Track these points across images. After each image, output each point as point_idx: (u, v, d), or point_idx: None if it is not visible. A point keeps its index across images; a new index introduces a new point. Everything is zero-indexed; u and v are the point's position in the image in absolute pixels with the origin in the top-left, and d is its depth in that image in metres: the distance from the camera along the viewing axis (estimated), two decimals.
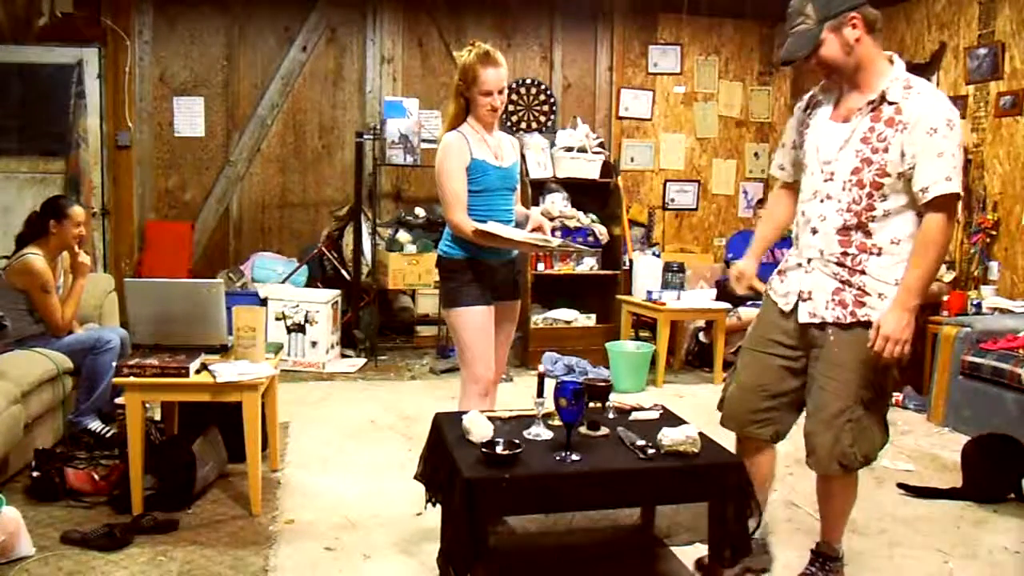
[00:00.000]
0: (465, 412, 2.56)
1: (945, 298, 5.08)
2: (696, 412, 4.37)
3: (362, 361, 5.71)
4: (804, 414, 2.54)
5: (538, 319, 5.87)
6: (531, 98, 6.63)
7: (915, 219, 2.33)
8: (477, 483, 2.17)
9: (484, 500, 2.18)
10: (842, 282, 2.39)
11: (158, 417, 3.71)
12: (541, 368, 2.72)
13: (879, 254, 2.35)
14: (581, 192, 6.13)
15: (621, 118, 6.89)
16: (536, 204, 5.84)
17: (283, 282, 5.88)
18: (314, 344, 5.46)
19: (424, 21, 6.52)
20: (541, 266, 5.91)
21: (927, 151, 2.24)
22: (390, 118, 5.71)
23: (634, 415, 2.72)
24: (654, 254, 6.39)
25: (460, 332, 2.99)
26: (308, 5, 6.33)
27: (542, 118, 6.65)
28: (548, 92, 6.68)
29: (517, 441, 2.35)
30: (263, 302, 5.43)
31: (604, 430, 2.53)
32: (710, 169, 7.13)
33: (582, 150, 6.09)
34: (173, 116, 6.21)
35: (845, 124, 2.39)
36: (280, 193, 6.45)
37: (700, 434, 2.43)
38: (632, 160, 6.92)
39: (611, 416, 2.69)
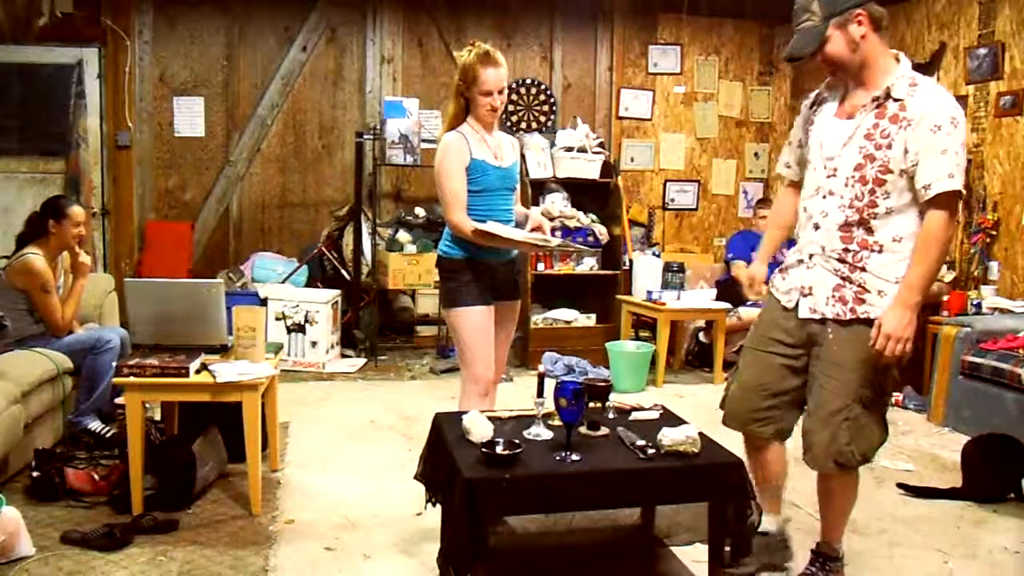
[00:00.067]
0: (465, 412, 2.56)
1: (945, 298, 5.08)
2: (696, 412, 4.37)
3: (362, 361, 5.71)
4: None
5: (538, 319, 5.87)
6: (531, 98, 6.63)
7: (917, 217, 2.33)
8: (477, 483, 2.17)
9: (484, 500, 2.18)
10: (843, 278, 2.39)
11: (158, 417, 3.71)
12: (541, 368, 2.71)
13: (880, 251, 2.35)
14: (581, 192, 6.13)
15: (621, 118, 6.89)
16: (536, 204, 5.84)
17: (283, 282, 5.88)
18: (314, 344, 5.46)
19: (424, 21, 6.53)
20: (541, 266, 5.91)
21: (930, 148, 2.24)
22: (390, 118, 5.71)
23: (634, 415, 2.72)
24: (654, 254, 6.39)
25: (460, 332, 2.99)
26: (308, 5, 6.33)
27: (542, 118, 6.65)
28: (548, 92, 6.68)
29: (517, 441, 2.35)
30: (263, 302, 5.43)
31: (604, 430, 2.53)
32: (710, 169, 7.13)
33: (582, 150, 6.09)
34: (173, 116, 6.21)
35: (849, 121, 2.39)
36: (280, 193, 6.45)
37: (700, 434, 2.43)
38: (632, 160, 6.92)
39: (611, 416, 2.69)
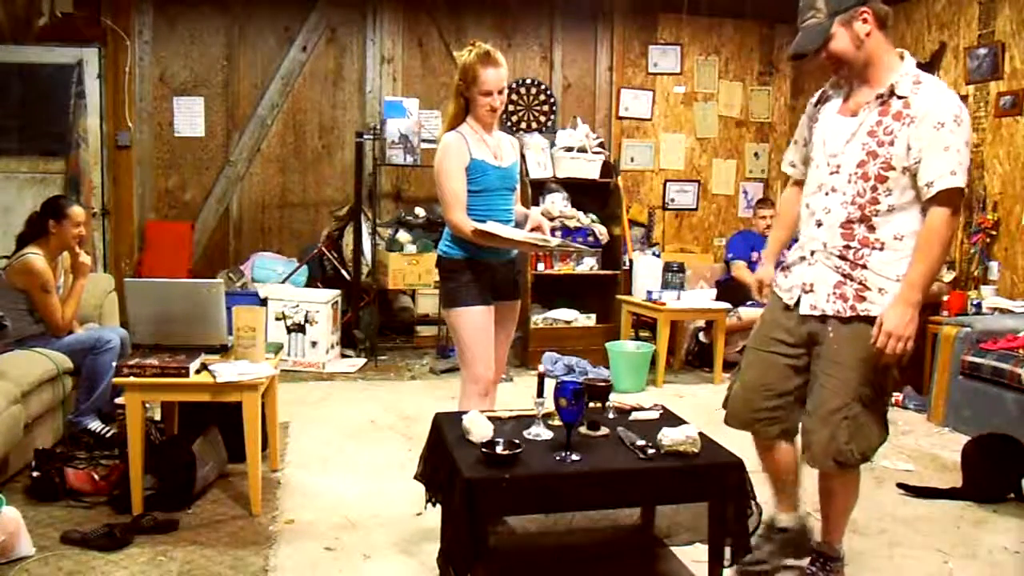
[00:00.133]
0: (465, 412, 2.56)
1: (945, 298, 5.08)
2: (696, 412, 4.37)
3: (362, 361, 5.71)
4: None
5: (538, 319, 5.87)
6: (531, 98, 6.63)
7: (919, 216, 2.33)
8: (477, 483, 2.17)
9: (484, 500, 2.18)
10: (844, 276, 2.39)
11: (158, 417, 3.71)
12: (541, 368, 2.72)
13: (881, 249, 2.35)
14: (581, 192, 6.13)
15: (621, 118, 6.89)
16: (536, 204, 5.84)
17: (283, 282, 5.88)
18: (314, 344, 5.46)
19: (424, 21, 6.53)
20: (541, 266, 5.91)
21: (933, 145, 2.24)
22: (390, 118, 5.71)
23: (634, 415, 2.72)
24: (654, 254, 6.39)
25: (460, 332, 2.99)
26: (308, 5, 6.33)
27: (542, 118, 6.65)
28: (548, 92, 6.68)
29: (517, 441, 2.35)
30: (263, 302, 5.43)
31: (604, 430, 2.53)
32: (710, 169, 7.13)
33: (582, 150, 6.09)
34: (173, 116, 6.21)
35: (853, 118, 2.40)
36: (280, 193, 6.45)
37: (700, 434, 2.43)
38: (632, 160, 6.92)
39: (611, 416, 2.69)
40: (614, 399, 2.78)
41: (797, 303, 2.49)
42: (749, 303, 5.56)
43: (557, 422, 2.43)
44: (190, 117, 6.22)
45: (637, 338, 5.90)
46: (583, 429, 2.51)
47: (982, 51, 5.35)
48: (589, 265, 6.09)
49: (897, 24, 6.04)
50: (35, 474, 3.14)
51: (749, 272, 5.63)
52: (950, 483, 3.55)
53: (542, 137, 6.27)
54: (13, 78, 5.84)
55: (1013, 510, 3.36)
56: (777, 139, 7.20)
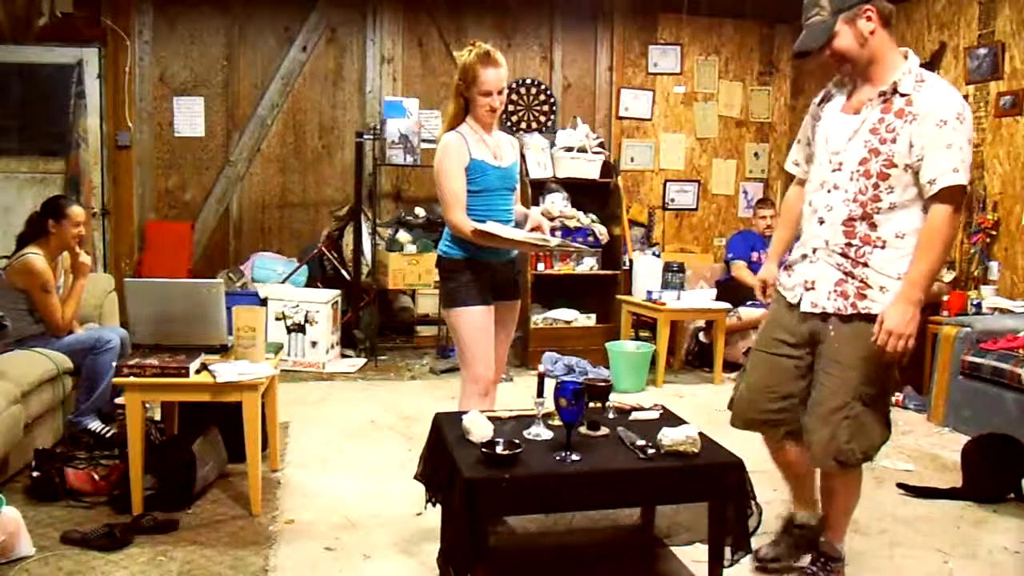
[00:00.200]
0: (465, 412, 2.56)
1: (945, 298, 5.08)
2: (696, 412, 4.37)
3: (362, 361, 5.71)
4: None
5: (538, 319, 5.87)
6: (531, 98, 6.63)
7: (921, 214, 2.33)
8: (477, 483, 2.17)
9: (484, 500, 2.18)
10: (845, 273, 2.39)
11: (158, 417, 3.71)
12: (541, 368, 2.72)
13: (883, 247, 2.35)
14: (581, 192, 6.13)
15: (621, 118, 6.89)
16: (536, 204, 5.84)
17: (283, 282, 5.88)
18: (314, 344, 5.46)
19: (424, 21, 6.53)
20: (541, 266, 5.91)
21: (936, 143, 2.25)
22: (390, 118, 5.71)
23: (634, 415, 2.72)
24: (654, 254, 6.39)
25: (460, 332, 2.99)
26: (308, 5, 6.33)
27: (542, 118, 6.65)
28: (548, 92, 6.68)
29: (517, 441, 2.35)
30: (263, 302, 5.43)
31: (604, 430, 2.53)
32: (710, 169, 7.13)
33: (582, 150, 6.09)
34: (173, 116, 6.21)
35: (855, 116, 2.40)
36: (280, 193, 6.45)
37: (700, 434, 2.43)
38: (632, 160, 6.92)
39: (611, 416, 2.69)
40: (614, 399, 2.78)
41: (799, 301, 2.49)
42: (749, 303, 5.56)
43: (557, 422, 2.43)
44: (190, 117, 6.22)
45: (637, 338, 5.90)
46: (583, 429, 2.51)
47: (982, 51, 5.35)
48: (589, 265, 6.09)
49: (897, 24, 5.99)
50: (35, 474, 3.14)
51: (749, 272, 5.63)
52: (950, 483, 3.55)
53: (542, 137, 6.27)
54: (13, 78, 5.84)
55: (1013, 510, 3.36)
56: (777, 139, 7.20)
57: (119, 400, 3.49)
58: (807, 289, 2.47)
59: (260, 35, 6.29)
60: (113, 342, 3.77)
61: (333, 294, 5.65)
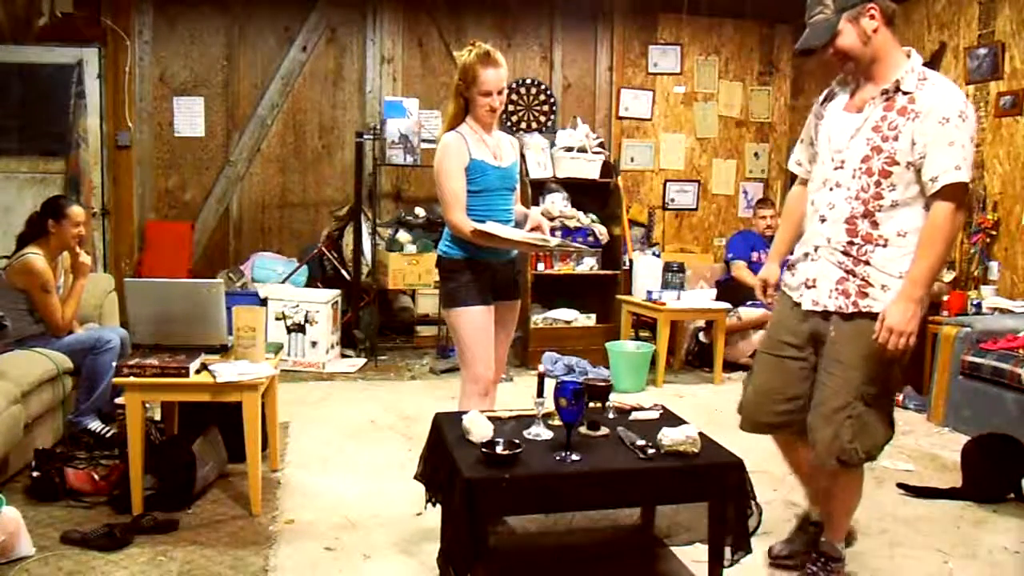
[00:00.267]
0: (465, 412, 2.56)
1: (945, 298, 5.08)
2: (696, 412, 4.38)
3: (362, 361, 5.71)
4: None
5: (538, 319, 5.87)
6: (531, 98, 6.63)
7: (923, 213, 2.33)
8: (477, 483, 2.17)
9: (484, 500, 2.18)
10: (847, 271, 2.39)
11: (158, 417, 3.71)
12: (541, 368, 2.72)
13: (885, 245, 2.35)
14: (581, 192, 6.13)
15: (621, 118, 6.89)
16: (536, 204, 5.84)
17: (283, 282, 5.89)
18: (314, 344, 5.46)
19: (424, 21, 6.53)
20: (541, 266, 5.91)
21: (938, 140, 2.25)
22: (390, 118, 5.71)
23: (634, 415, 2.72)
24: (654, 254, 6.39)
25: (460, 332, 2.99)
26: (308, 5, 6.33)
27: (542, 118, 6.65)
28: (548, 92, 6.68)
29: (517, 441, 2.35)
30: (263, 302, 5.43)
31: (604, 430, 2.53)
32: (710, 169, 7.13)
33: (582, 150, 6.09)
34: (173, 116, 6.21)
35: (858, 114, 2.40)
36: (280, 193, 6.45)
37: (700, 434, 2.43)
38: (632, 160, 6.92)
39: (611, 416, 2.69)
40: (614, 399, 2.78)
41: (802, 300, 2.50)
42: (749, 303, 5.56)
43: (557, 422, 2.43)
44: (190, 117, 6.22)
45: (637, 338, 5.90)
46: (583, 429, 2.51)
47: (982, 51, 5.35)
48: (589, 265, 6.09)
49: (897, 24, 6.03)
50: (35, 474, 3.14)
51: (749, 272, 5.63)
52: (950, 483, 3.55)
53: (542, 137, 6.27)
54: (13, 78, 5.84)
55: (1013, 510, 3.36)
56: (777, 139, 7.20)
57: (119, 400, 3.49)
58: (808, 287, 2.47)
59: (260, 35, 6.29)
60: (113, 342, 3.77)
61: (333, 294, 5.65)
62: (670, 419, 2.68)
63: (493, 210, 2.98)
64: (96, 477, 3.18)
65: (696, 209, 7.14)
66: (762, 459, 3.51)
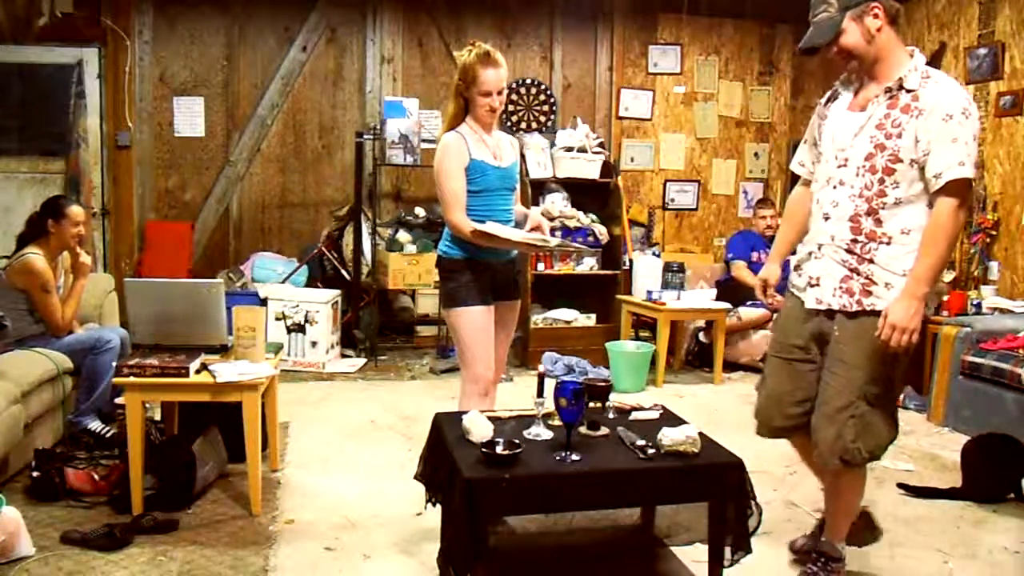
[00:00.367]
0: (465, 412, 2.56)
1: (945, 298, 5.08)
2: (696, 412, 4.38)
3: (362, 361, 5.71)
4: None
5: (538, 319, 5.87)
6: (531, 98, 6.63)
7: (927, 210, 2.33)
8: (477, 483, 2.17)
9: (484, 500, 2.18)
10: (851, 270, 2.40)
11: (158, 417, 3.71)
12: (541, 368, 2.72)
13: (889, 243, 2.35)
14: (581, 192, 6.13)
15: (621, 118, 6.89)
16: (536, 204, 5.84)
17: (283, 282, 5.88)
18: (314, 344, 5.46)
19: (424, 21, 6.53)
20: (541, 266, 5.91)
21: (942, 137, 2.25)
22: (390, 118, 5.71)
23: (634, 415, 2.72)
24: (654, 254, 6.39)
25: (460, 332, 2.99)
26: (308, 5, 6.33)
27: (542, 118, 6.65)
28: (548, 92, 6.68)
29: (517, 441, 2.35)
30: (263, 302, 5.43)
31: (604, 430, 2.53)
32: (710, 169, 7.13)
33: (582, 150, 6.09)
34: (173, 116, 6.21)
35: (861, 112, 2.41)
36: (280, 193, 6.45)
37: (700, 434, 2.43)
38: (632, 160, 6.92)
39: (611, 416, 2.69)
40: (614, 399, 2.78)
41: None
42: (749, 303, 5.56)
43: (557, 422, 2.43)
44: (190, 117, 6.22)
45: (637, 338, 5.90)
46: (583, 429, 2.51)
47: (982, 51, 5.36)
48: (589, 265, 6.08)
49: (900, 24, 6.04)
50: (35, 474, 3.14)
51: (749, 272, 5.63)
52: (950, 483, 3.55)
53: (542, 137, 6.27)
54: (13, 78, 5.84)
55: (1013, 510, 3.36)
56: (777, 139, 7.20)
57: (119, 400, 3.49)
58: (812, 285, 2.48)
59: (260, 35, 6.29)
60: (113, 342, 3.77)
61: (333, 294, 5.65)
62: (670, 419, 2.68)
63: (493, 210, 2.98)
64: (96, 477, 3.18)
65: (696, 209, 7.14)
66: (762, 459, 3.52)
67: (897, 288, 2.32)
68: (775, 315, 5.08)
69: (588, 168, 6.09)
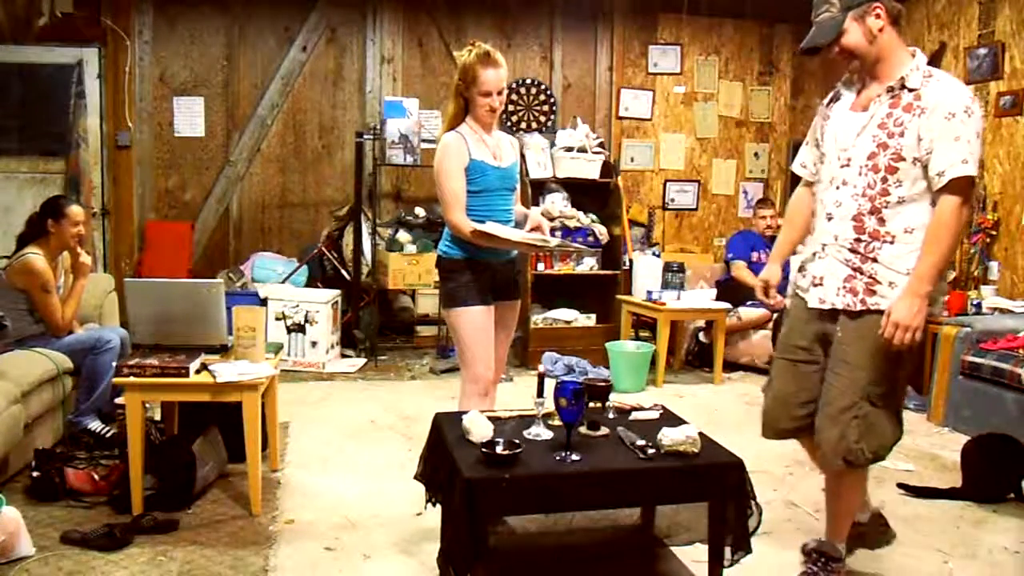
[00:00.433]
0: (465, 412, 2.56)
1: (945, 298, 5.08)
2: (696, 412, 4.38)
3: (362, 361, 5.71)
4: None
5: (538, 319, 5.87)
6: (531, 98, 6.63)
7: (930, 209, 2.33)
8: (477, 483, 2.17)
9: (484, 500, 2.18)
10: (854, 269, 2.40)
11: (158, 417, 3.71)
12: (541, 368, 2.72)
13: (892, 242, 2.35)
14: (581, 192, 6.13)
15: (621, 118, 6.89)
16: (536, 204, 5.84)
17: (283, 282, 5.89)
18: (314, 344, 5.46)
19: (424, 21, 6.53)
20: (541, 266, 5.91)
21: (944, 135, 2.25)
22: (390, 118, 5.71)
23: (634, 415, 2.72)
24: (654, 254, 6.39)
25: (460, 332, 2.99)
26: (308, 5, 6.33)
27: (542, 118, 6.65)
28: (548, 92, 6.68)
29: (517, 441, 2.35)
30: (263, 302, 5.43)
31: (604, 430, 2.53)
32: (710, 169, 7.13)
33: (582, 150, 6.09)
34: (173, 116, 6.21)
35: (864, 112, 2.41)
36: (280, 193, 6.45)
37: (700, 434, 2.43)
38: (632, 160, 6.92)
39: (611, 416, 2.69)
40: (614, 399, 2.78)
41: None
42: (749, 303, 5.56)
43: (557, 422, 2.43)
44: (190, 117, 6.22)
45: (637, 338, 5.90)
46: (583, 429, 2.51)
47: (982, 51, 5.36)
48: (589, 265, 6.08)
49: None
50: (35, 474, 3.14)
51: (749, 272, 5.63)
52: (950, 483, 3.55)
53: (542, 137, 6.27)
54: (13, 78, 5.84)
55: (1013, 510, 3.36)
56: (777, 139, 7.20)
57: (119, 400, 3.49)
58: (815, 285, 2.48)
59: (260, 35, 6.29)
60: (113, 342, 3.77)
61: (333, 294, 5.65)
62: (670, 419, 2.68)
63: (493, 210, 2.98)
64: (96, 477, 3.18)
65: (696, 209, 7.14)
66: (762, 459, 3.52)
67: (901, 287, 2.32)
68: (775, 315, 5.12)
69: (588, 168, 6.09)
